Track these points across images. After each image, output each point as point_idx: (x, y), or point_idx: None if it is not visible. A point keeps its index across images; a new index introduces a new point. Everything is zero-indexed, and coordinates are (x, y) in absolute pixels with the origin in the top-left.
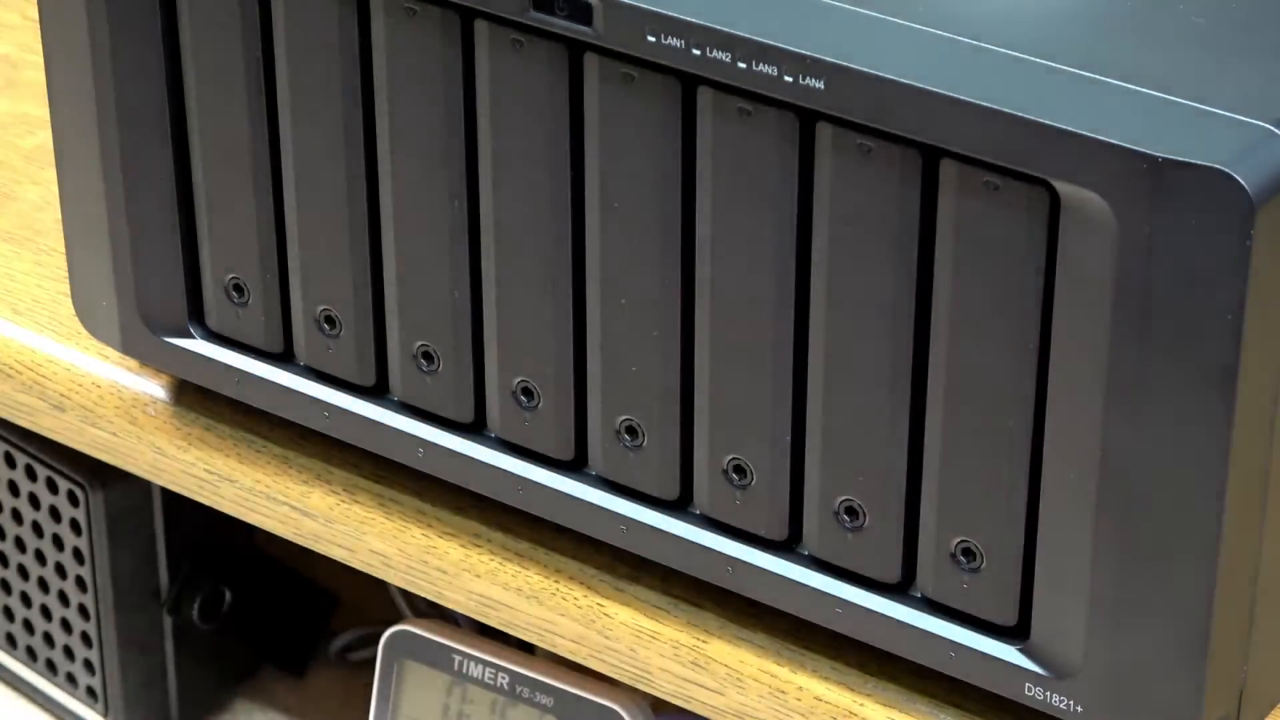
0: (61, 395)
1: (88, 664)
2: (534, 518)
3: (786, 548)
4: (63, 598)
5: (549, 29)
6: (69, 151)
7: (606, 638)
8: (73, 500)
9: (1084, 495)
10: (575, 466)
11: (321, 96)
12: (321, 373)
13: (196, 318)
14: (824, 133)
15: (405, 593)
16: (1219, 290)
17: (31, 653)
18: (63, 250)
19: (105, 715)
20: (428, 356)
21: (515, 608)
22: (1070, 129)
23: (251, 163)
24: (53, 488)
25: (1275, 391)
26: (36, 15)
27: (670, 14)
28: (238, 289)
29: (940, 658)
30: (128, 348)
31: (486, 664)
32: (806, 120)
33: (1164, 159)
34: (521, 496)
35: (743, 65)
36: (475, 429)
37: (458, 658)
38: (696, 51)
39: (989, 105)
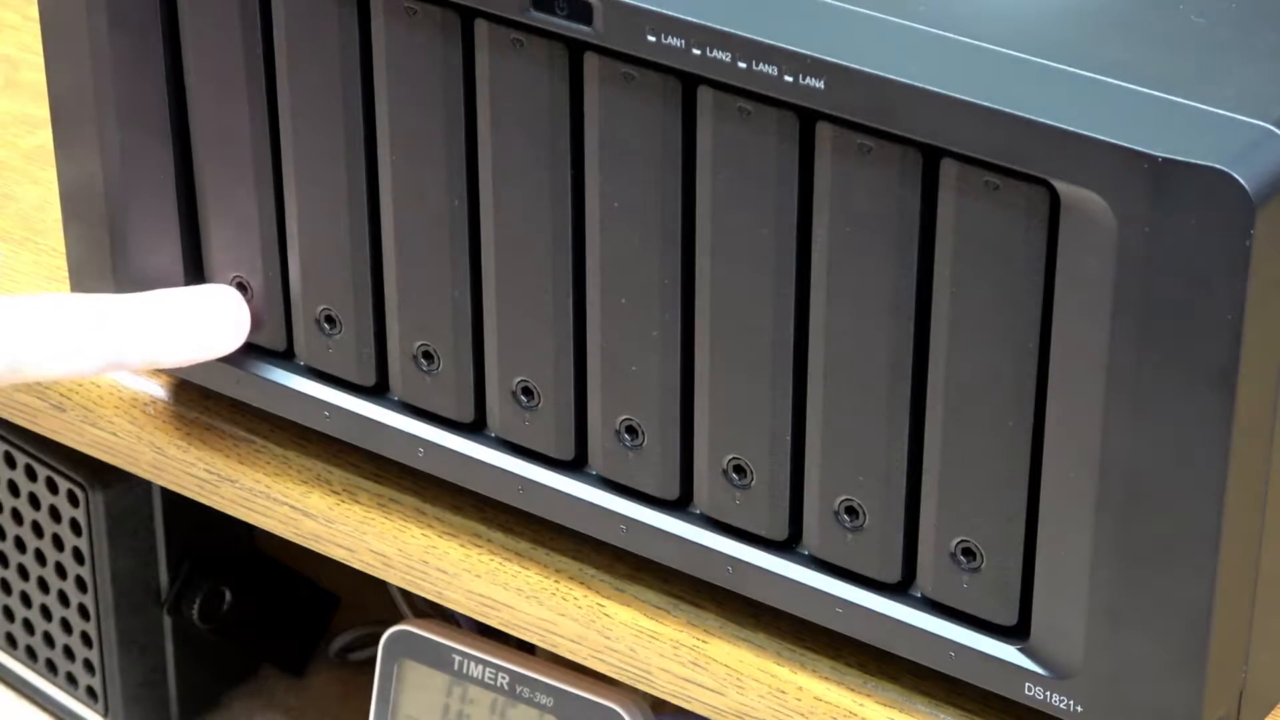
0: (61, 395)
1: (88, 664)
2: (534, 518)
3: (786, 548)
4: (63, 598)
5: (549, 29)
6: (69, 151)
7: (606, 638)
8: (73, 500)
9: (1084, 495)
10: (575, 466)
11: (321, 96)
12: (321, 372)
13: None
14: (824, 133)
15: (405, 593)
16: (1219, 290)
17: (31, 653)
18: (63, 250)
19: (105, 715)
20: (428, 356)
21: (515, 608)
22: (1070, 129)
23: (252, 162)
24: (53, 488)
25: (1275, 392)
26: (36, 15)
27: (670, 14)
28: (239, 289)
29: (940, 658)
30: None
31: (486, 664)
32: (806, 120)
33: (1164, 159)
34: (521, 496)
35: (743, 65)
36: (475, 429)
37: (458, 658)
38: (696, 51)
39: (989, 105)
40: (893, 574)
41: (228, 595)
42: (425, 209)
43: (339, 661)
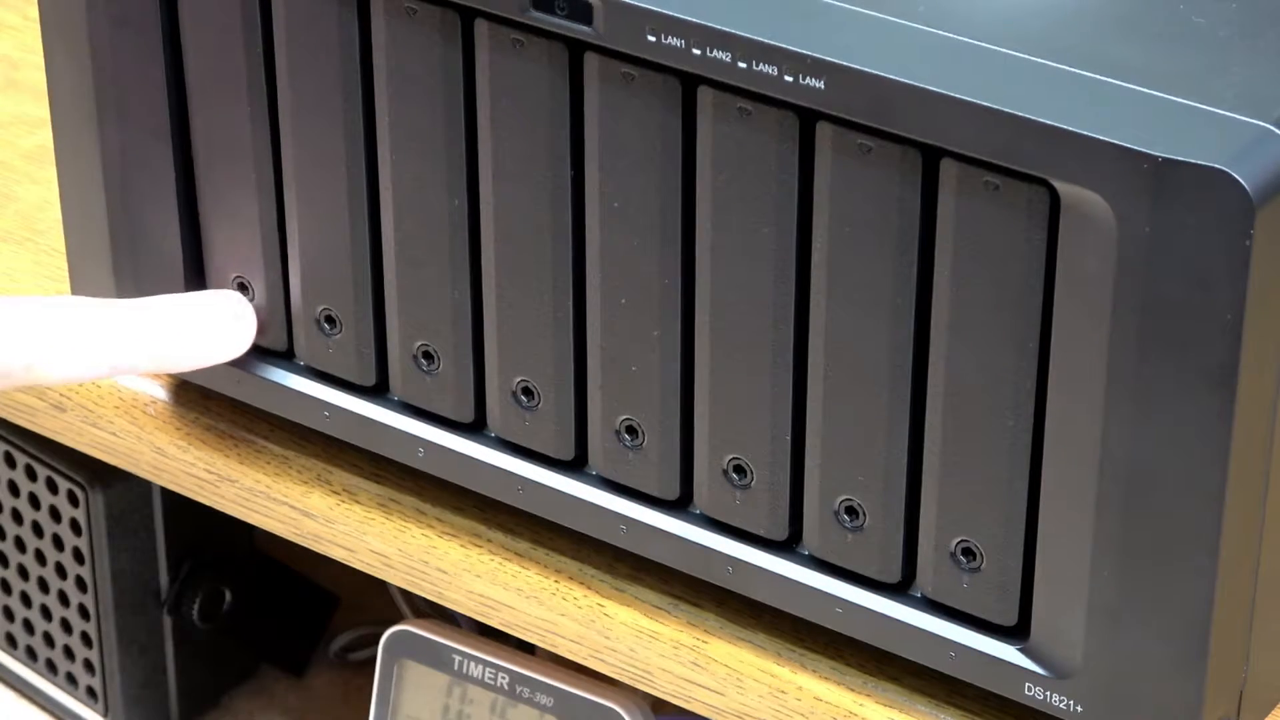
0: (61, 395)
1: (88, 664)
2: (534, 518)
3: (786, 548)
4: (63, 598)
5: (549, 28)
6: (69, 151)
7: (606, 638)
8: (73, 500)
9: (1084, 495)
10: (575, 466)
11: (322, 96)
12: (321, 372)
13: None
14: (824, 133)
15: (405, 593)
16: (1219, 290)
17: (31, 653)
18: (63, 250)
19: (105, 715)
20: (428, 356)
21: (515, 608)
22: (1070, 129)
23: (252, 162)
24: (53, 488)
25: (1275, 392)
26: (36, 15)
27: (670, 14)
28: (240, 289)
29: (940, 658)
30: None
31: (486, 664)
32: (806, 120)
33: (1164, 159)
34: (521, 496)
35: (743, 65)
36: (475, 429)
37: (458, 658)
38: (696, 51)
39: (989, 105)
40: (893, 574)
41: (228, 595)
42: (425, 209)
43: (339, 661)
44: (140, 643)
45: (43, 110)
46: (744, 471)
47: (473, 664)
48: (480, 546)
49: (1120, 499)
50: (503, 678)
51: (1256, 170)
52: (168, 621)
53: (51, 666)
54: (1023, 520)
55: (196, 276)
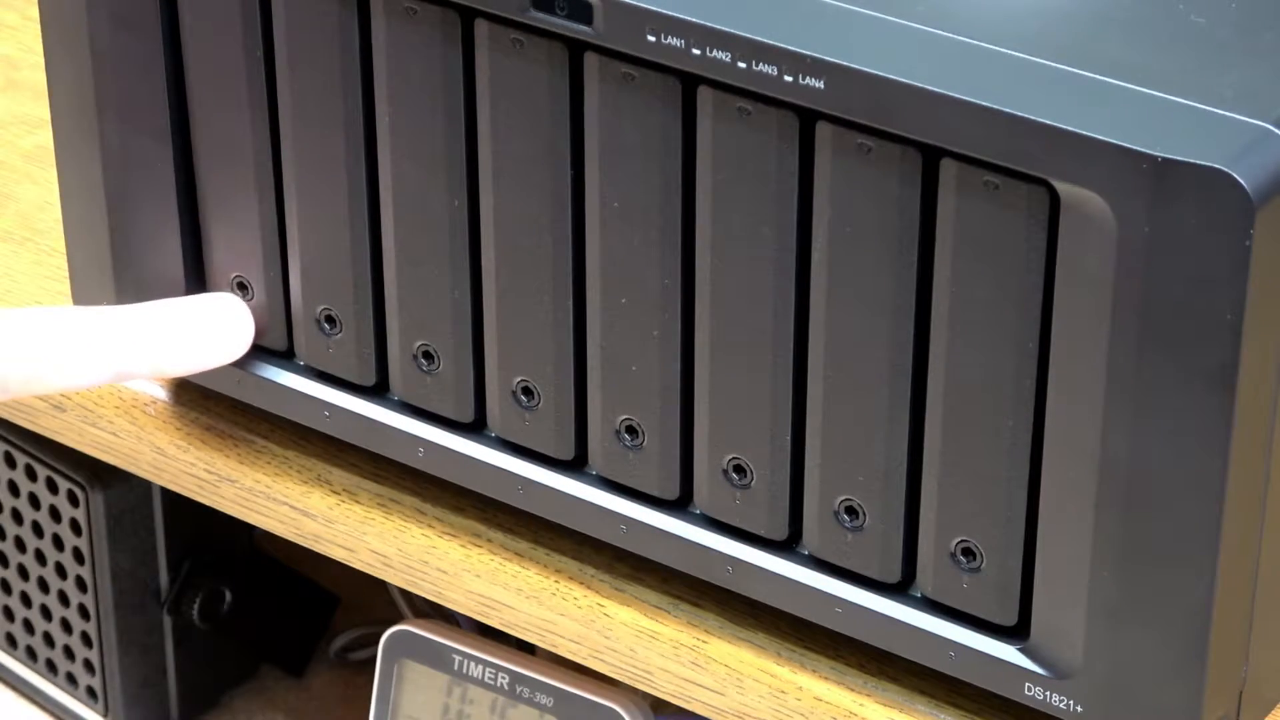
0: (61, 395)
1: (88, 664)
2: (534, 518)
3: (786, 548)
4: (63, 598)
5: (549, 28)
6: (69, 151)
7: (606, 638)
8: (73, 500)
9: (1084, 495)
10: (575, 466)
11: (321, 96)
12: (321, 372)
13: None
14: (824, 133)
15: (405, 593)
16: (1219, 290)
17: (31, 653)
18: (63, 250)
19: (105, 715)
20: (428, 356)
21: (515, 608)
22: (1070, 129)
23: (252, 162)
24: (53, 488)
25: (1275, 392)
26: (37, 15)
27: (670, 14)
28: (240, 288)
29: (940, 658)
30: None
31: (486, 664)
32: (806, 120)
33: (1164, 159)
34: (521, 496)
35: (743, 65)
36: (475, 429)
37: (458, 658)
38: (696, 51)
39: (989, 105)
40: (892, 574)
41: (228, 595)
42: (425, 209)
43: (339, 661)
44: (140, 643)
45: (43, 110)
46: (744, 471)
47: (473, 664)
48: (480, 546)
49: (1120, 499)
50: (503, 678)
51: (1256, 170)
52: (168, 621)
53: (51, 666)
54: (1023, 520)
55: (196, 276)
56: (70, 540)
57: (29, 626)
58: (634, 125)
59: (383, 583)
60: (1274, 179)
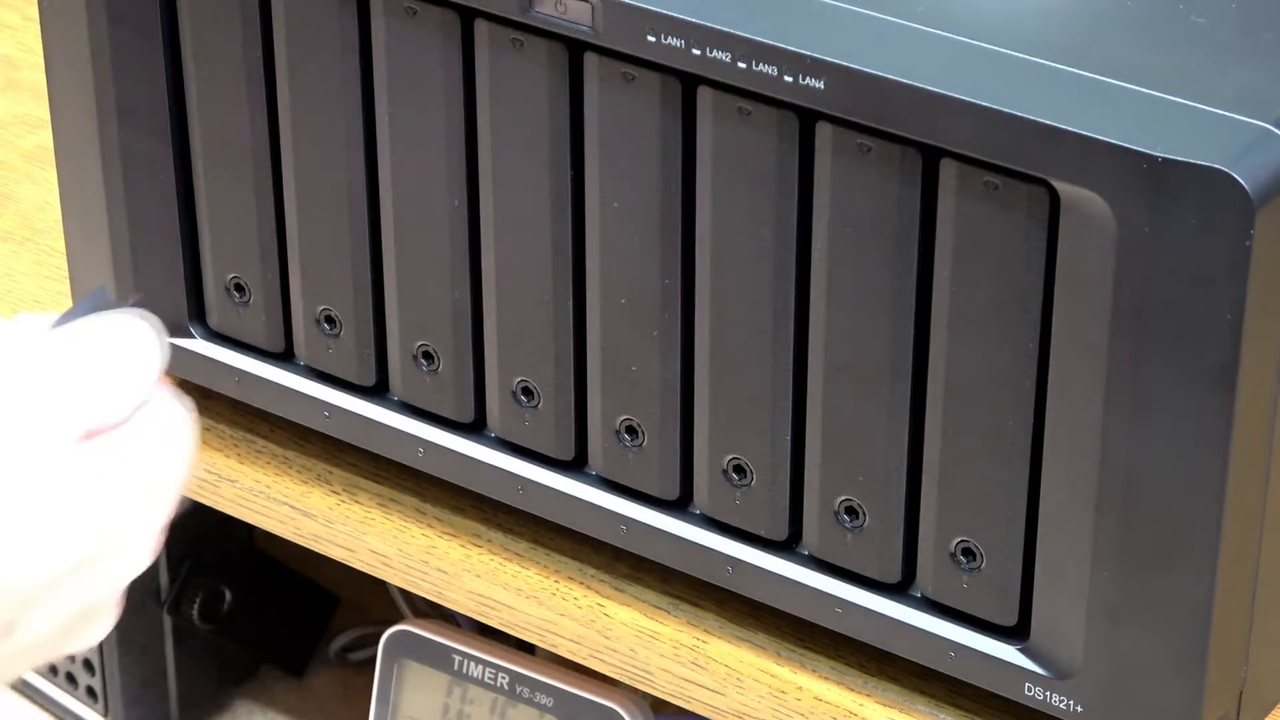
0: None
1: (88, 664)
2: (534, 518)
3: (786, 548)
4: None
5: (549, 28)
6: (69, 151)
7: (606, 638)
8: None
9: (1084, 495)
10: (575, 466)
11: (321, 96)
12: (321, 373)
13: (197, 317)
14: (824, 133)
15: (405, 593)
16: (1219, 290)
17: None
18: (63, 250)
19: (105, 715)
20: (428, 356)
21: (515, 608)
22: (1070, 129)
23: (252, 162)
24: None
25: (1275, 392)
26: (36, 15)
27: (670, 14)
28: (239, 288)
29: (940, 658)
30: None
31: (486, 664)
32: (806, 120)
33: (1164, 159)
34: (521, 497)
35: (743, 65)
36: (475, 429)
37: (458, 658)
38: (696, 51)
39: (989, 105)
40: (893, 574)
41: (228, 595)
42: (425, 209)
43: (339, 661)
44: (140, 643)
45: (43, 110)
46: (744, 471)
47: (473, 664)
48: (480, 546)
49: (1120, 499)
50: (503, 678)
51: (1256, 170)
52: (168, 621)
53: (51, 666)
54: (1023, 520)
55: (196, 276)
56: None
57: None
58: (634, 125)
59: (383, 583)
60: (1274, 179)
